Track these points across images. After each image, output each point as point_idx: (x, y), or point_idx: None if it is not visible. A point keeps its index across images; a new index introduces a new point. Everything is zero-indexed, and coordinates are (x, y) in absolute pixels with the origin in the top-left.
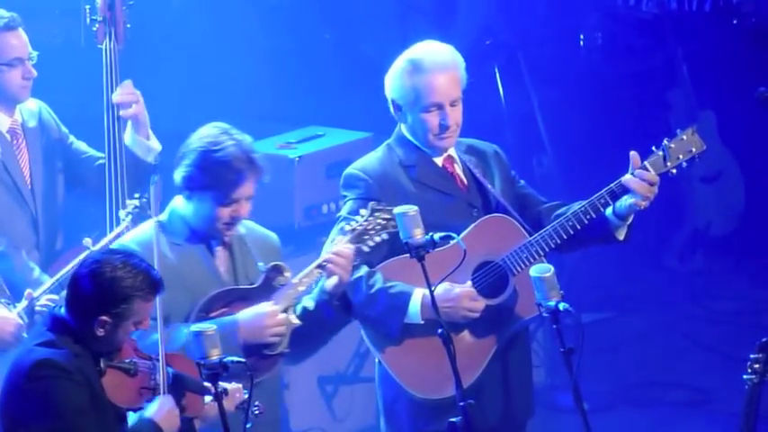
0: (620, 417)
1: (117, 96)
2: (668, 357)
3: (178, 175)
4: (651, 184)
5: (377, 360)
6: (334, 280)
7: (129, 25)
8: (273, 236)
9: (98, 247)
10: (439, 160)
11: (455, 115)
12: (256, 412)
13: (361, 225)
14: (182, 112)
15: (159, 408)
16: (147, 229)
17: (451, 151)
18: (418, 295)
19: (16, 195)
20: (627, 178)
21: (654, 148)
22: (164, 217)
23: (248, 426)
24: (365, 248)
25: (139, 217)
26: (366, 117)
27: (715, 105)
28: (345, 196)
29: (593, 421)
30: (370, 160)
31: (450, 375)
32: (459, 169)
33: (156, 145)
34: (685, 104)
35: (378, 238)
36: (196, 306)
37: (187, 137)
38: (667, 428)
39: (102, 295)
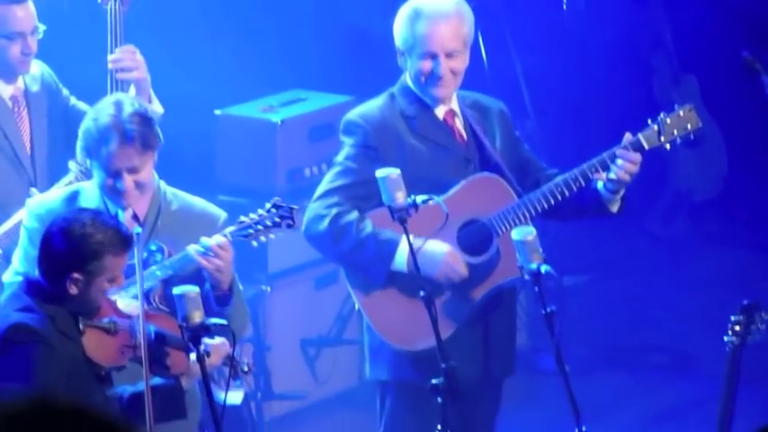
0: (601, 380)
1: (113, 57)
2: (650, 320)
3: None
4: (633, 164)
5: (357, 307)
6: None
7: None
8: (215, 215)
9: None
10: (440, 113)
11: (452, 65)
12: (245, 369)
13: (252, 219)
14: (164, 75)
15: None
16: (56, 195)
17: (454, 105)
18: (406, 244)
19: (14, 162)
20: (618, 152)
21: (649, 121)
22: (86, 184)
23: (236, 383)
24: (253, 243)
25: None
26: (349, 81)
27: (698, 69)
28: (343, 142)
29: (575, 384)
30: (370, 107)
31: (426, 329)
32: (459, 123)
33: (158, 108)
34: (668, 68)
35: (272, 235)
36: None
37: (171, 98)
38: (649, 391)
39: (73, 252)
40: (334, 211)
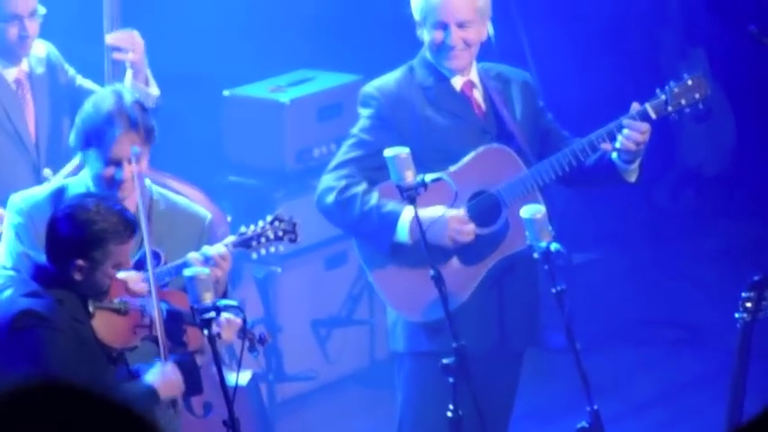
0: (612, 356)
1: (111, 38)
2: (660, 296)
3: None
4: (642, 134)
5: (370, 279)
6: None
7: None
8: (202, 215)
9: (57, 177)
10: (457, 84)
11: (464, 36)
12: (262, 340)
13: (254, 231)
14: (172, 56)
15: (160, 374)
16: (41, 190)
17: (473, 76)
18: (407, 215)
19: (18, 143)
20: (623, 130)
21: (658, 90)
22: (73, 180)
23: (254, 355)
24: (253, 255)
25: None
26: (357, 60)
27: (706, 43)
28: (360, 114)
29: (586, 360)
30: (387, 79)
31: (434, 300)
32: (478, 94)
33: (154, 91)
34: (676, 42)
35: (273, 249)
36: None
37: (179, 78)
38: (660, 367)
39: (77, 239)
40: (343, 183)
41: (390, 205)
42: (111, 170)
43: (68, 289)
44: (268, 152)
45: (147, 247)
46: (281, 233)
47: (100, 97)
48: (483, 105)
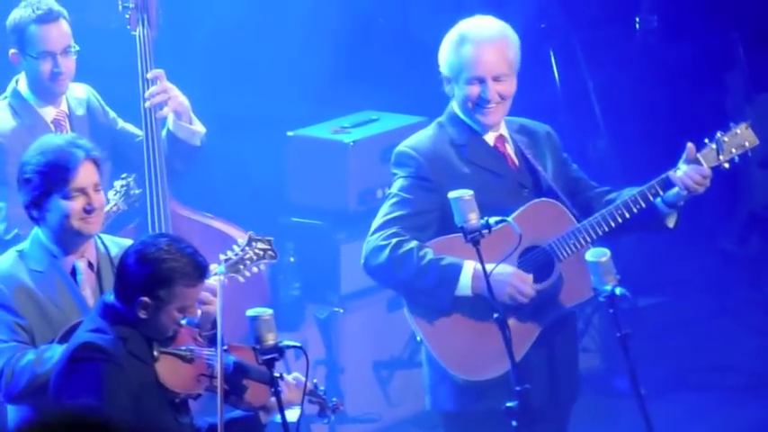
0: (676, 401)
1: (149, 103)
2: (725, 342)
3: (21, 196)
4: (704, 178)
5: (419, 338)
6: (198, 312)
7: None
8: None
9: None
10: (490, 139)
11: (499, 89)
12: (333, 406)
13: (236, 255)
14: (236, 97)
15: None
16: (5, 258)
17: (503, 130)
18: (469, 267)
19: None
20: (681, 169)
21: (707, 140)
22: (26, 245)
23: (323, 421)
24: (240, 279)
25: (127, 195)
26: (420, 101)
27: None
28: (396, 174)
29: (650, 406)
30: (421, 138)
31: (492, 358)
32: (510, 149)
33: (199, 128)
34: (741, 87)
35: (255, 269)
36: (58, 335)
37: (243, 120)
38: (724, 413)
39: (144, 276)
40: (394, 240)
41: (449, 258)
42: (80, 203)
43: (133, 328)
44: (331, 193)
45: (219, 295)
46: (261, 252)
47: (39, 146)
48: (516, 160)
